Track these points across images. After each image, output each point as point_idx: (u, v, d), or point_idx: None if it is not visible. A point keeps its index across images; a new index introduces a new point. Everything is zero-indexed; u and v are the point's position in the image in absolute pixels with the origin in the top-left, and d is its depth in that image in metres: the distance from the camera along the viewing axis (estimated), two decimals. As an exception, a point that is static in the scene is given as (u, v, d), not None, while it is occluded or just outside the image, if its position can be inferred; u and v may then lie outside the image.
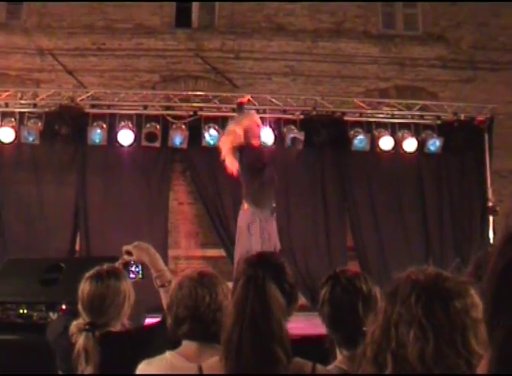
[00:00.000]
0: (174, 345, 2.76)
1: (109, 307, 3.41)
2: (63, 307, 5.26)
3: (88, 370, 3.14)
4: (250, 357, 2.26)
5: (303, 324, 5.95)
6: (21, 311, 5.47)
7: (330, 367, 2.67)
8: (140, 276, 4.09)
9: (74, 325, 3.35)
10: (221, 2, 12.97)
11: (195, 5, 12.98)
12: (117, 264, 3.81)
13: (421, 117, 11.71)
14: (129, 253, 3.54)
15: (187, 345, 2.71)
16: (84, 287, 3.46)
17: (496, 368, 1.03)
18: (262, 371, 2.28)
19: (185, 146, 10.99)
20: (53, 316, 5.15)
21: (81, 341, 3.22)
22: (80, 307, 3.43)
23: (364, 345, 1.70)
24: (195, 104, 11.17)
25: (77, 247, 10.83)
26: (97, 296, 3.41)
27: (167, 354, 2.68)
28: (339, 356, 2.70)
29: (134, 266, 4.04)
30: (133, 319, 3.60)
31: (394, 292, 1.67)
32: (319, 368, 2.53)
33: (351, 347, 2.59)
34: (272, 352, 2.26)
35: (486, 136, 11.77)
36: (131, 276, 3.97)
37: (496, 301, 0.96)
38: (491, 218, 11.40)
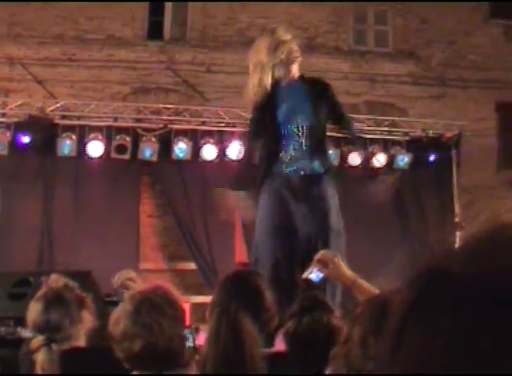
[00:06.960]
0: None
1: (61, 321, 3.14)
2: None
3: None
4: None
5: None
6: (-12, 326, 5.38)
7: None
8: None
9: (35, 341, 3.11)
10: (193, 16, 12.98)
11: (167, 18, 12.98)
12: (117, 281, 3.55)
13: (390, 132, 11.78)
14: (132, 280, 3.43)
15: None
16: (33, 309, 3.20)
17: None
18: None
19: (155, 158, 10.93)
20: (21, 331, 5.06)
21: (40, 357, 3.02)
22: (31, 329, 3.20)
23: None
24: (165, 117, 11.13)
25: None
26: (45, 316, 3.14)
27: None
28: None
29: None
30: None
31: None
32: None
33: None
34: None
35: (454, 153, 11.89)
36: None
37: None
38: (457, 234, 11.50)
